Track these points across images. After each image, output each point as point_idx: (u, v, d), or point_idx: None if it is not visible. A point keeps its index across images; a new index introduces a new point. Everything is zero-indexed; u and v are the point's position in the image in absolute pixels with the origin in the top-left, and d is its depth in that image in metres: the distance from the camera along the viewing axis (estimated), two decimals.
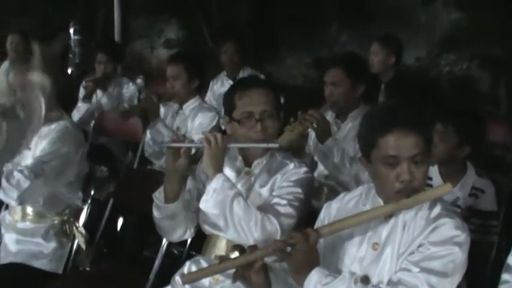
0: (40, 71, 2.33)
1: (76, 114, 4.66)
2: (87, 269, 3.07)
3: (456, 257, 1.80)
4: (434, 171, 2.88)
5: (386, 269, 1.89)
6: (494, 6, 5.50)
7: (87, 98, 4.84)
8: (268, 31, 6.97)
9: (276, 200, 2.23)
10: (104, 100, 4.89)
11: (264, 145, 2.28)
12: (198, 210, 2.33)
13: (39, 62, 2.39)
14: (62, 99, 3.08)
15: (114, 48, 5.42)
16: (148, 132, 3.81)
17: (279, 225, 2.14)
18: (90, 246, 3.08)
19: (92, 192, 3.20)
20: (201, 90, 4.01)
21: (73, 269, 2.99)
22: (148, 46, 8.15)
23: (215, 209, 2.19)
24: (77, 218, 3.06)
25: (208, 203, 2.20)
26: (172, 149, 2.28)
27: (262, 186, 2.34)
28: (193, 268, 2.34)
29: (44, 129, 2.92)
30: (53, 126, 2.90)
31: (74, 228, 2.99)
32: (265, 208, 2.20)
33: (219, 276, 2.25)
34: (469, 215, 2.75)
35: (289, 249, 1.88)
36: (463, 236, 1.82)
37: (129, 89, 5.11)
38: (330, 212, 2.11)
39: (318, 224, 2.11)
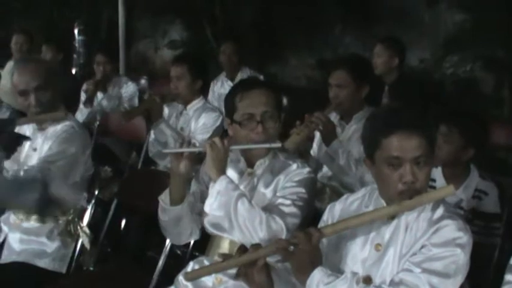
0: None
1: (79, 117, 4.68)
2: (91, 268, 3.09)
3: (458, 258, 1.81)
4: (438, 173, 2.88)
5: (389, 270, 1.90)
6: (498, 8, 5.50)
7: (89, 102, 4.86)
8: (272, 32, 6.99)
9: (280, 200, 2.24)
10: (105, 102, 4.90)
11: (267, 145, 2.29)
12: (202, 212, 2.34)
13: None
14: (67, 100, 3.10)
15: (112, 49, 5.45)
16: (152, 132, 3.82)
17: (284, 224, 2.15)
18: (94, 246, 3.09)
19: (96, 193, 3.21)
20: (204, 91, 4.02)
21: (77, 269, 2.99)
22: (152, 47, 8.17)
23: (220, 211, 2.20)
24: (81, 218, 3.07)
25: (212, 205, 2.21)
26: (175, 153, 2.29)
27: (265, 186, 2.35)
28: (197, 268, 2.35)
29: (50, 130, 2.94)
30: (59, 126, 2.92)
31: (79, 228, 3.00)
32: (270, 208, 2.22)
33: (222, 277, 2.26)
34: (473, 217, 2.76)
35: (291, 248, 1.89)
36: (465, 238, 1.83)
37: (129, 88, 5.13)
38: (333, 213, 2.12)
39: (321, 225, 2.12)
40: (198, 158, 2.34)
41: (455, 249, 1.81)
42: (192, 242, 2.99)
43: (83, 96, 4.97)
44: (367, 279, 1.90)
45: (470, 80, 5.94)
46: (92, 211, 3.19)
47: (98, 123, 4.70)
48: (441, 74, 6.09)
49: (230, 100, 2.37)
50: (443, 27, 6.05)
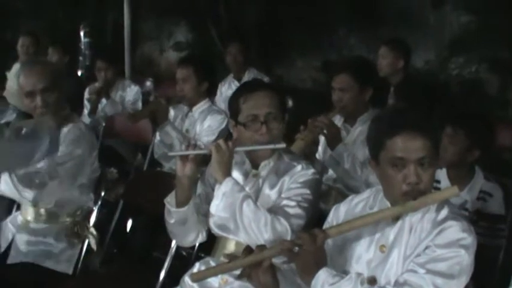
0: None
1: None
2: (97, 269, 3.10)
3: (462, 259, 1.81)
4: (442, 174, 2.89)
5: (393, 271, 1.90)
6: (504, 9, 5.50)
7: (93, 111, 4.86)
8: (277, 34, 6.99)
9: (285, 202, 2.25)
10: (108, 108, 4.91)
11: (271, 146, 2.31)
12: (208, 214, 2.35)
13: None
14: (72, 102, 3.12)
15: (113, 53, 5.46)
16: (157, 134, 3.83)
17: (289, 226, 2.16)
18: (100, 247, 3.10)
19: (103, 194, 3.22)
20: (210, 93, 4.03)
21: (83, 270, 3.00)
22: (157, 48, 8.19)
23: (225, 212, 2.21)
24: (88, 219, 3.08)
25: (218, 207, 2.23)
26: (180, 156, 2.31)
27: (270, 188, 2.36)
28: (203, 269, 2.36)
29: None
30: (67, 128, 2.93)
31: (85, 229, 3.02)
32: (275, 210, 2.23)
33: (228, 277, 2.27)
34: (477, 219, 2.76)
35: (296, 249, 1.90)
36: (469, 239, 1.83)
37: (132, 92, 5.13)
38: (338, 214, 2.13)
39: (326, 226, 2.12)
40: (203, 160, 2.35)
41: (459, 250, 1.81)
42: (197, 243, 3.00)
43: (86, 108, 4.97)
44: (372, 280, 1.91)
45: (476, 81, 5.94)
46: (98, 212, 3.20)
47: (103, 125, 4.71)
48: (446, 76, 6.09)
49: (234, 102, 2.39)
50: (448, 29, 6.05)
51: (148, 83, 6.30)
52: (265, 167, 2.39)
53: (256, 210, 2.18)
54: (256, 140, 2.32)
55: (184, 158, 2.27)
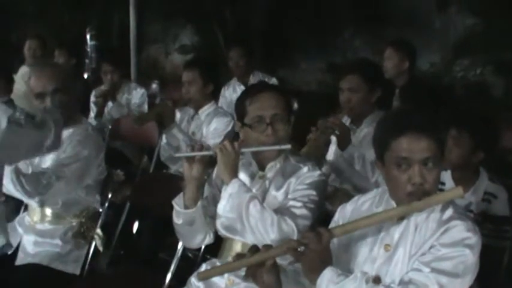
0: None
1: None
2: (104, 270, 3.12)
3: (467, 258, 1.83)
4: (447, 176, 2.89)
5: (398, 270, 1.92)
6: (509, 12, 5.51)
7: (99, 114, 4.88)
8: (282, 36, 7.01)
9: (291, 203, 2.27)
10: (114, 111, 4.93)
11: (277, 147, 2.33)
12: (215, 216, 2.38)
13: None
14: (80, 104, 3.15)
15: (119, 56, 5.48)
16: (164, 136, 3.85)
17: (295, 226, 2.18)
18: (106, 249, 3.12)
19: (110, 196, 3.24)
20: (216, 96, 4.05)
21: (90, 271, 3.02)
22: (163, 51, 8.21)
23: (232, 213, 2.24)
24: (95, 221, 3.10)
25: (225, 208, 2.25)
26: (186, 157, 2.33)
27: (276, 189, 2.37)
28: (209, 268, 2.38)
29: (65, 133, 2.97)
30: (73, 129, 2.96)
31: (92, 230, 3.04)
32: (281, 211, 2.25)
33: (234, 278, 2.29)
34: (482, 220, 2.76)
35: (302, 248, 1.91)
36: (474, 239, 1.85)
37: (138, 94, 5.14)
38: (344, 214, 2.15)
39: (332, 225, 2.13)
40: (210, 162, 2.37)
41: (464, 250, 1.82)
42: (203, 245, 3.02)
43: (92, 111, 4.99)
44: (377, 279, 1.92)
45: (481, 83, 5.94)
46: (105, 214, 3.22)
47: (109, 127, 4.73)
48: (451, 78, 6.10)
49: (241, 104, 2.42)
50: (453, 31, 6.06)
51: (154, 86, 6.32)
52: (272, 169, 2.40)
53: (263, 210, 2.19)
54: (262, 141, 2.34)
55: (191, 160, 2.29)
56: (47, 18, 8.15)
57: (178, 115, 3.96)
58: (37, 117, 2.25)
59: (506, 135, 3.72)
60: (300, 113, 4.76)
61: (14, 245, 2.94)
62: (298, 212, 2.23)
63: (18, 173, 2.75)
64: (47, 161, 2.93)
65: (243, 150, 2.32)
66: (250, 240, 2.23)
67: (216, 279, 2.33)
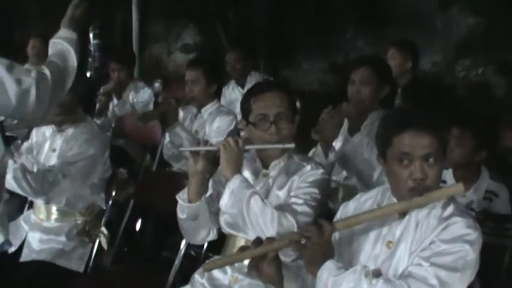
0: None
1: None
2: (108, 268, 3.14)
3: (466, 254, 1.84)
4: (449, 175, 2.91)
5: (400, 266, 1.93)
6: (511, 12, 5.52)
7: (101, 112, 4.88)
8: (284, 36, 7.03)
9: (293, 200, 2.28)
10: (118, 108, 4.94)
11: (280, 145, 2.35)
12: (219, 212, 2.41)
13: None
14: (84, 103, 3.16)
15: (126, 54, 5.49)
16: (167, 135, 3.87)
17: (296, 222, 2.19)
18: (110, 246, 3.15)
19: (114, 194, 3.26)
20: (219, 95, 4.07)
21: (94, 268, 3.05)
22: (165, 50, 8.22)
23: (233, 208, 2.26)
24: (99, 219, 3.13)
25: (227, 204, 2.27)
26: (191, 152, 2.36)
27: (280, 188, 2.39)
28: (214, 259, 2.41)
29: (70, 131, 3.01)
30: (79, 128, 2.98)
31: (97, 228, 3.06)
32: (283, 207, 2.26)
33: (238, 275, 2.31)
34: (484, 219, 2.77)
35: (304, 241, 1.93)
36: (474, 235, 1.86)
37: (145, 94, 5.14)
38: (346, 211, 2.16)
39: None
40: (214, 160, 2.40)
41: (463, 245, 1.84)
42: (206, 244, 3.04)
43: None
44: (377, 274, 1.94)
45: (482, 83, 5.96)
46: (108, 212, 3.24)
47: (112, 125, 4.74)
48: (453, 78, 6.11)
49: (246, 102, 2.44)
50: (455, 31, 6.08)
51: (157, 85, 6.32)
52: (275, 167, 2.42)
53: (264, 206, 2.21)
54: (266, 140, 2.36)
55: (195, 155, 2.32)
56: (50, 17, 8.15)
57: (181, 114, 3.98)
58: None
59: (508, 135, 3.74)
60: (301, 113, 4.77)
61: (18, 242, 2.98)
62: (299, 208, 2.25)
63: (24, 170, 2.77)
64: (53, 159, 2.96)
65: (247, 147, 2.34)
66: (253, 236, 2.25)
67: (220, 276, 2.36)
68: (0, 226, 2.12)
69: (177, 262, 2.91)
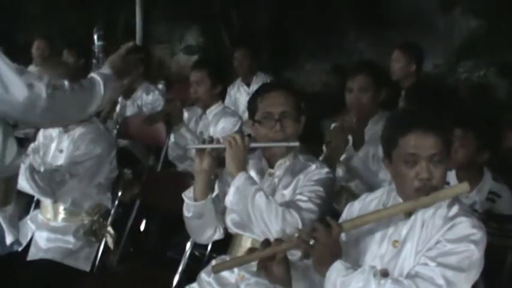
0: None
1: None
2: (114, 267, 3.17)
3: (472, 253, 1.86)
4: (452, 176, 2.92)
5: (406, 265, 1.96)
6: None
7: (103, 121, 4.88)
8: (287, 38, 7.05)
9: (297, 197, 2.32)
10: (124, 110, 4.95)
11: (285, 144, 2.39)
12: (225, 212, 2.44)
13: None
14: None
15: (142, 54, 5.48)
16: (172, 136, 3.89)
17: (300, 218, 2.21)
18: (116, 246, 3.17)
19: (119, 194, 3.29)
20: (224, 96, 4.09)
21: (101, 267, 3.07)
22: (168, 52, 8.24)
23: (238, 205, 2.29)
24: (105, 219, 3.15)
25: (232, 200, 2.30)
26: (198, 150, 2.38)
27: (285, 187, 2.42)
28: (223, 261, 2.43)
29: (77, 132, 3.03)
30: (86, 128, 3.01)
31: (104, 228, 3.09)
32: (287, 204, 2.29)
33: (244, 274, 2.34)
34: (487, 219, 2.79)
35: (312, 241, 1.96)
36: (479, 235, 1.89)
37: (155, 97, 5.12)
38: (352, 211, 2.19)
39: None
40: (219, 160, 2.42)
41: (469, 245, 1.86)
42: (210, 245, 3.06)
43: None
44: (385, 273, 1.96)
45: (484, 85, 5.97)
46: (114, 212, 3.26)
47: (118, 126, 4.76)
48: (455, 80, 6.12)
49: (253, 101, 2.48)
50: (457, 33, 6.09)
51: (160, 86, 6.33)
52: (281, 166, 2.45)
53: (268, 202, 2.24)
54: (271, 137, 2.39)
55: (201, 152, 2.35)
56: (53, 18, 8.18)
57: (186, 115, 4.00)
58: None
59: (509, 136, 3.76)
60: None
61: (25, 241, 3.00)
62: (303, 205, 2.27)
63: (32, 170, 2.80)
64: (60, 159, 2.99)
65: (252, 145, 2.37)
66: (257, 233, 2.28)
67: (226, 275, 2.38)
68: (11, 226, 2.14)
69: (182, 263, 2.92)
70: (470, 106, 5.52)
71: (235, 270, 2.37)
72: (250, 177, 2.33)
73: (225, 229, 2.50)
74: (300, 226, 2.19)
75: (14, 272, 2.83)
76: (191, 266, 2.94)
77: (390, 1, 6.51)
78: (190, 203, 2.41)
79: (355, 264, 2.00)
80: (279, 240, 2.06)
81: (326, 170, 2.41)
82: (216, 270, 2.28)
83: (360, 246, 2.09)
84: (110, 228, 3.11)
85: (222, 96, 4.01)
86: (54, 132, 3.13)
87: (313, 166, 2.42)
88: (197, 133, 3.90)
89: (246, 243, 2.42)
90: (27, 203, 3.41)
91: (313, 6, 6.67)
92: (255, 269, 2.17)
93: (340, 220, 2.19)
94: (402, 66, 4.60)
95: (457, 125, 2.81)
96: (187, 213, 2.44)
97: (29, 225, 3.09)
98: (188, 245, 2.93)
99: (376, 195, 2.17)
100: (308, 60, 7.10)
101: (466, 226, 1.90)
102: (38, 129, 3.34)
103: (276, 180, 2.44)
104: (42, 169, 2.96)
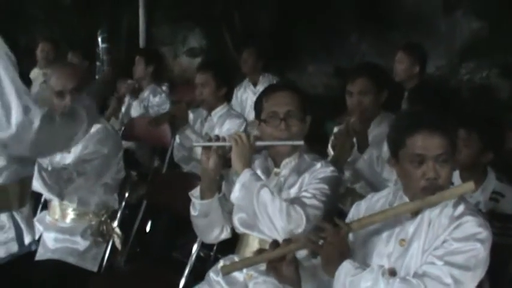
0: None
1: None
2: (121, 267, 3.19)
3: (478, 252, 1.89)
4: (455, 176, 2.94)
5: (413, 264, 1.98)
6: None
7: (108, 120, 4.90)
8: (289, 40, 7.07)
9: (303, 194, 2.34)
10: (133, 108, 4.98)
11: (290, 142, 2.42)
12: (232, 211, 2.47)
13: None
14: (97, 103, 3.21)
15: (153, 55, 5.53)
16: (177, 137, 3.92)
17: (305, 214, 2.23)
18: (124, 247, 3.20)
19: (126, 195, 3.32)
20: (229, 98, 4.11)
21: (108, 268, 3.10)
22: (171, 54, 8.26)
23: (244, 201, 2.31)
24: (113, 220, 3.18)
25: (238, 197, 2.32)
26: (204, 148, 2.41)
27: (291, 186, 2.44)
28: (232, 262, 2.45)
29: None
30: (94, 128, 3.02)
31: (111, 229, 3.12)
32: (292, 200, 2.32)
33: (253, 273, 2.37)
34: (490, 219, 2.81)
35: (321, 242, 1.98)
36: (485, 233, 1.92)
37: (161, 99, 5.16)
38: (358, 211, 2.22)
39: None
40: (225, 160, 2.45)
41: (475, 244, 1.89)
42: (215, 245, 3.08)
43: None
44: (392, 272, 1.99)
45: (486, 86, 5.99)
46: (121, 213, 3.28)
47: (123, 127, 4.78)
48: (457, 81, 6.14)
49: (259, 101, 2.52)
50: (459, 35, 6.11)
51: (164, 88, 6.36)
52: (287, 166, 2.48)
53: (273, 197, 2.26)
54: (276, 136, 2.42)
55: (207, 151, 2.38)
56: (56, 21, 8.20)
57: (191, 116, 4.02)
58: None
59: (511, 137, 3.78)
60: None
61: None
62: (308, 201, 2.29)
63: (40, 168, 2.82)
64: (68, 159, 3.01)
65: (258, 143, 2.40)
66: (264, 231, 2.31)
67: (235, 274, 2.39)
68: (28, 226, 2.16)
69: (189, 264, 2.93)
70: (473, 107, 5.54)
71: (244, 269, 2.39)
72: (256, 174, 2.36)
73: (232, 229, 2.53)
74: (305, 222, 2.22)
75: (22, 272, 2.86)
76: (197, 266, 2.96)
77: (392, 3, 6.53)
78: (196, 202, 2.44)
79: (363, 263, 2.03)
80: (287, 241, 2.09)
81: (331, 168, 2.44)
82: (225, 272, 2.28)
83: (367, 245, 2.12)
84: (117, 229, 3.13)
85: (227, 97, 4.03)
86: None
87: (319, 165, 2.44)
88: (202, 135, 3.92)
89: (253, 243, 2.44)
90: (34, 206, 3.42)
91: (316, 9, 6.69)
92: (263, 268, 2.19)
93: (347, 220, 2.22)
94: (406, 68, 4.60)
95: (460, 125, 2.83)
96: (193, 211, 2.48)
97: (36, 226, 3.11)
98: (195, 247, 2.94)
99: (382, 194, 2.20)
100: (310, 62, 7.13)
101: (472, 225, 1.92)
102: None
103: (282, 179, 2.47)
104: (49, 168, 2.99)
